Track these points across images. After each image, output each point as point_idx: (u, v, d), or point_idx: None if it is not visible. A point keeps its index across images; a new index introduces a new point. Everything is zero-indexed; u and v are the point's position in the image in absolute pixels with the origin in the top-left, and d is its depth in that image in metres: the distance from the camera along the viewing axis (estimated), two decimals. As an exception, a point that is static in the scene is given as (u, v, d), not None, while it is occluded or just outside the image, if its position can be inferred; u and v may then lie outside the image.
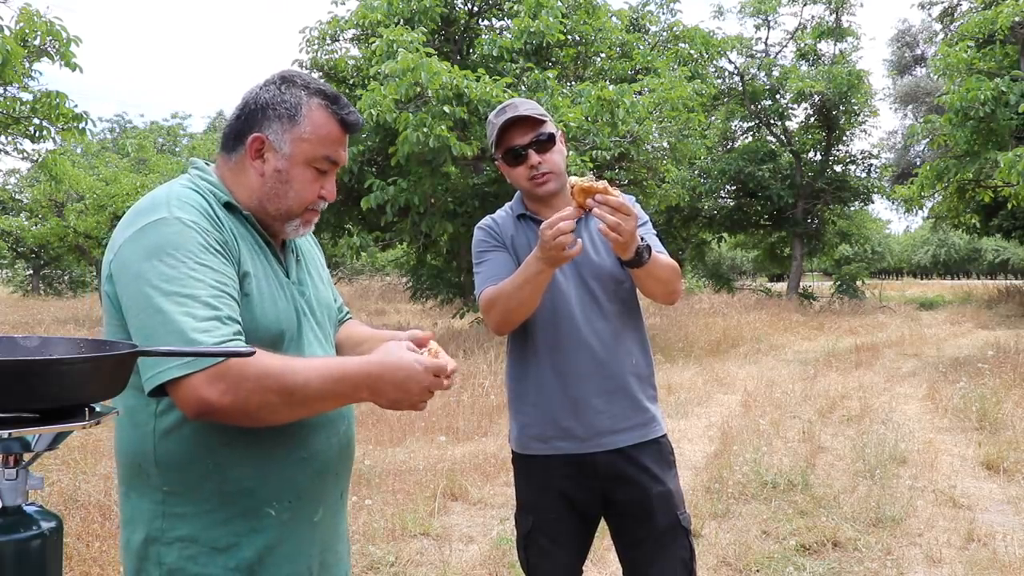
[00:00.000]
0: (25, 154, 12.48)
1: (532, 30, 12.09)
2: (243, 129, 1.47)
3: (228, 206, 1.45)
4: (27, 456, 1.14)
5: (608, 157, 10.87)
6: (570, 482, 2.10)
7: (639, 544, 2.10)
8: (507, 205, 2.24)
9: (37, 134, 9.81)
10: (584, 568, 2.23)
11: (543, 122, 2.09)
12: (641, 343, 2.16)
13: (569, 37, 13.11)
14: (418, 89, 10.08)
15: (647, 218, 2.18)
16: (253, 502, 1.41)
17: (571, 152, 10.20)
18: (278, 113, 1.45)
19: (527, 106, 2.09)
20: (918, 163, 22.57)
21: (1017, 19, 11.81)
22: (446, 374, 1.38)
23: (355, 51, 13.94)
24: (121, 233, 1.38)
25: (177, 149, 40.63)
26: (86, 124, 9.66)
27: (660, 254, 2.04)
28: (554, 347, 2.08)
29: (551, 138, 2.10)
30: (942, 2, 24.39)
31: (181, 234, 1.33)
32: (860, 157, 24.19)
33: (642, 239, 1.94)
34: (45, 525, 1.11)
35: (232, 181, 1.48)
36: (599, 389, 2.07)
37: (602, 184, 1.82)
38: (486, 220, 2.21)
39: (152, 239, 1.32)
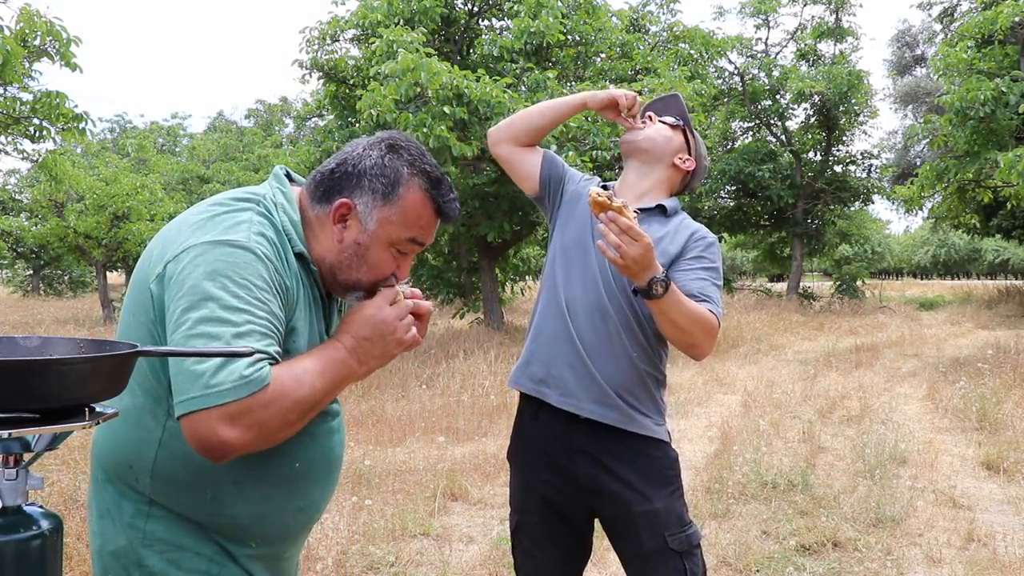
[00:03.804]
0: (25, 154, 12.42)
1: (532, 30, 12.06)
2: (333, 188, 1.39)
3: (299, 256, 1.38)
4: (27, 456, 1.13)
5: (608, 157, 10.83)
6: (551, 488, 2.07)
7: (628, 562, 2.09)
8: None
9: (37, 134, 9.77)
10: (584, 572, 2.22)
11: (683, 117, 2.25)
12: (648, 353, 2.05)
13: (569, 37, 13.08)
14: (418, 89, 10.06)
15: (717, 264, 2.06)
16: (239, 534, 1.39)
17: (571, 152, 10.18)
18: (373, 186, 1.38)
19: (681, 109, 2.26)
20: (918, 163, 22.55)
21: (1017, 19, 11.78)
22: (391, 286, 1.40)
23: (355, 51, 13.90)
24: (189, 234, 1.30)
25: (177, 149, 40.66)
26: (86, 124, 9.61)
27: (692, 297, 1.92)
28: (565, 319, 2.06)
29: (677, 123, 2.22)
30: (942, 2, 24.38)
31: (251, 265, 1.27)
32: (860, 157, 24.21)
33: (665, 274, 1.82)
34: (45, 525, 1.11)
35: (311, 226, 1.41)
36: (584, 383, 2.03)
37: (619, 203, 1.74)
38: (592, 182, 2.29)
39: (222, 259, 1.25)
